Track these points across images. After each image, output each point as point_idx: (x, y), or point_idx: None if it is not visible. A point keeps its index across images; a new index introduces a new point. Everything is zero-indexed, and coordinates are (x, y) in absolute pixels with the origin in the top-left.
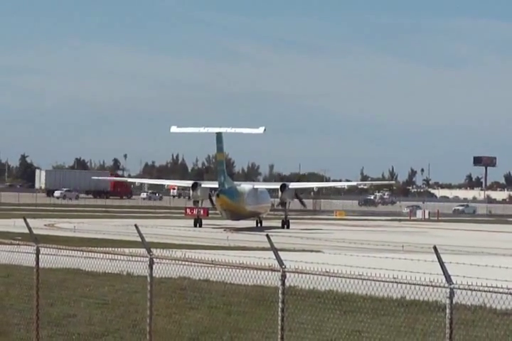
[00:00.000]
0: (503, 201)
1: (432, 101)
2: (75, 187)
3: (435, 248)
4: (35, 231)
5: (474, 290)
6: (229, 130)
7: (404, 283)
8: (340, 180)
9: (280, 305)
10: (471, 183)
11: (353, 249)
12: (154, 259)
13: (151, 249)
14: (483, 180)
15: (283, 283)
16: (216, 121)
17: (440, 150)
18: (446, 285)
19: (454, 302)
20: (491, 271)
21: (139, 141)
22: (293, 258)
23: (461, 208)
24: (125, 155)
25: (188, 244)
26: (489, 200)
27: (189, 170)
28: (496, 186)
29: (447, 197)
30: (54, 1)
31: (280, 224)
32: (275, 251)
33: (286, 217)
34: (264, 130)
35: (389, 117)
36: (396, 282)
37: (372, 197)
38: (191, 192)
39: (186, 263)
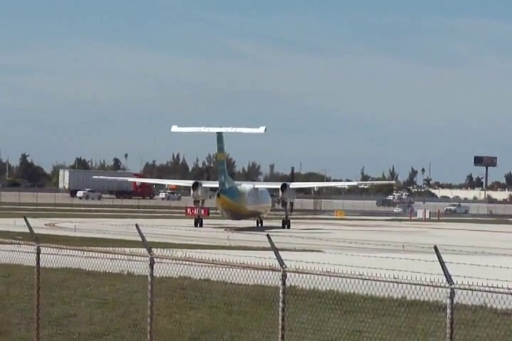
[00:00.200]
0: (504, 201)
1: (433, 101)
2: (98, 187)
3: (436, 248)
4: (35, 231)
5: (475, 290)
6: (229, 130)
7: (405, 283)
8: (341, 180)
9: (281, 304)
10: (472, 183)
11: (354, 248)
12: (155, 259)
13: (152, 249)
14: (483, 180)
15: (283, 283)
16: (217, 120)
17: (441, 150)
18: (447, 285)
19: (454, 302)
20: (492, 271)
21: (140, 140)
22: (293, 258)
23: (453, 208)
24: (126, 155)
25: (189, 244)
26: (490, 200)
27: (190, 169)
28: (496, 186)
29: (448, 197)
30: (54, 1)
31: (281, 224)
32: (276, 250)
33: (287, 216)
34: (265, 130)
35: (389, 117)
36: (397, 282)
37: (390, 198)
38: (192, 191)
39: (187, 262)
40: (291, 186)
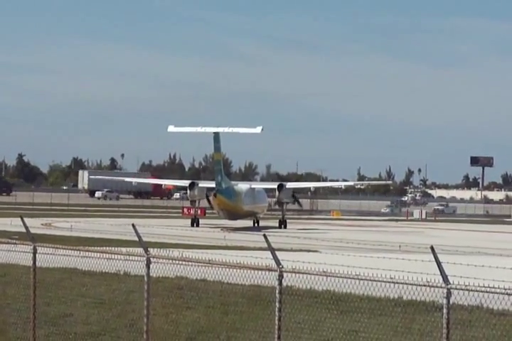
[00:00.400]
0: (500, 201)
1: (430, 101)
2: (117, 188)
3: (432, 248)
4: (31, 231)
5: (471, 290)
6: (226, 129)
7: (402, 283)
8: (338, 180)
9: (277, 304)
10: (468, 183)
11: (350, 248)
12: (151, 259)
13: (148, 249)
14: (480, 181)
15: (280, 283)
16: (213, 120)
17: (437, 151)
18: (443, 285)
19: (451, 302)
20: (488, 271)
21: (136, 140)
22: (290, 258)
23: (440, 208)
24: (122, 155)
25: (185, 244)
26: (486, 200)
27: (186, 169)
28: (493, 186)
29: (444, 198)
30: (54, 0)
31: (277, 224)
32: (272, 250)
33: (284, 216)
34: (262, 130)
35: (386, 117)
36: (393, 282)
37: (404, 199)
38: (188, 191)
39: (183, 262)
40: (287, 186)
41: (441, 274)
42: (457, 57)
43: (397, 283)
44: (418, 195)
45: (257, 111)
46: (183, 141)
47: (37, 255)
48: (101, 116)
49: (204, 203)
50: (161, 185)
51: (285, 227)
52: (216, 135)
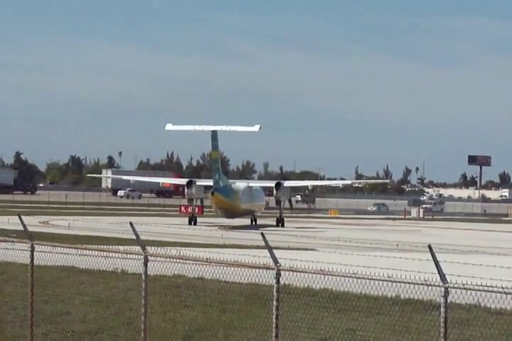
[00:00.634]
0: (498, 200)
1: (428, 100)
2: (140, 186)
3: (430, 247)
4: (29, 229)
5: (469, 289)
6: (224, 128)
7: (399, 282)
8: (335, 179)
9: (275, 303)
10: (466, 182)
11: (348, 247)
12: (149, 257)
13: (146, 247)
14: (477, 179)
15: (278, 281)
16: (211, 118)
17: (435, 149)
18: (441, 284)
19: (448, 301)
20: (486, 270)
21: (134, 138)
22: (287, 256)
23: (429, 206)
24: (120, 153)
25: (183, 242)
26: (484, 199)
27: (184, 167)
28: (490, 185)
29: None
30: (53, 0)
31: (275, 223)
32: (270, 249)
33: (281, 215)
34: (260, 128)
35: (384, 116)
36: (391, 281)
37: (422, 198)
38: (186, 190)
39: (181, 261)
40: (285, 184)
41: (438, 273)
42: (456, 56)
43: (395, 281)
44: (435, 194)
45: (255, 109)
46: (181, 139)
47: (34, 253)
48: (99, 114)
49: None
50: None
51: (283, 226)
52: (214, 133)
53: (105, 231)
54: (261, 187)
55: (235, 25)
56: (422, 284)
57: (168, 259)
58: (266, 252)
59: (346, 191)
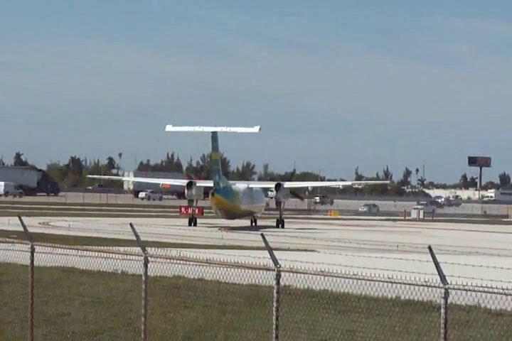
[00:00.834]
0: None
1: (428, 101)
2: (161, 188)
3: (430, 248)
4: (29, 230)
5: (469, 290)
6: (224, 129)
7: (399, 283)
8: (335, 180)
9: (275, 304)
10: (466, 183)
11: (348, 248)
12: (149, 258)
13: (146, 248)
14: (477, 180)
15: (278, 283)
16: (211, 119)
17: (435, 150)
18: (441, 285)
19: (448, 302)
20: (486, 271)
21: (134, 139)
22: (288, 257)
23: (420, 207)
24: (120, 154)
25: (183, 243)
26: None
27: (184, 169)
28: (490, 186)
29: (441, 197)
30: (53, 0)
31: (275, 224)
32: (270, 250)
33: (281, 216)
34: (260, 129)
35: (384, 117)
36: (391, 282)
37: (438, 200)
38: (186, 191)
39: (181, 262)
40: (285, 186)
41: (438, 274)
42: (456, 57)
43: (395, 282)
44: (452, 195)
45: (255, 110)
46: (181, 141)
47: (35, 254)
48: (99, 115)
49: (201, 202)
50: None
51: (283, 227)
52: (214, 134)
53: (105, 232)
54: (261, 188)
55: (234, 26)
56: (422, 285)
57: (168, 260)
58: (266, 253)
59: (346, 192)
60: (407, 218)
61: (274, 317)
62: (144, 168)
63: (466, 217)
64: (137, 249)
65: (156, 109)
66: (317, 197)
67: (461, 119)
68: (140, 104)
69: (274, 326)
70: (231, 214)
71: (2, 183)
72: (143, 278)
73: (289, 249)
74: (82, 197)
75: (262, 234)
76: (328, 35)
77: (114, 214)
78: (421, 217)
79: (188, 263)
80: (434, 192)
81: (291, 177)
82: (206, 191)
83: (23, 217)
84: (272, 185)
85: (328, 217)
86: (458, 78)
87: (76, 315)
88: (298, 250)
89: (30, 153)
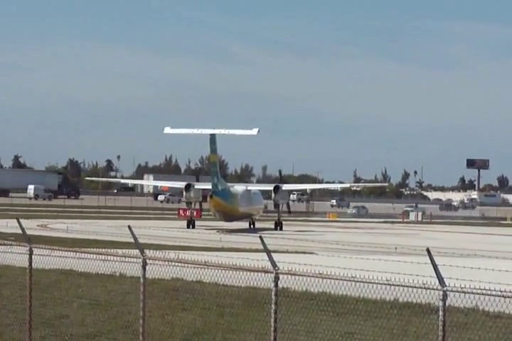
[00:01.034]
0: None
1: (426, 104)
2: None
3: (428, 250)
4: (27, 232)
5: (467, 292)
6: (222, 131)
7: (397, 285)
8: (334, 182)
9: (273, 306)
10: (464, 186)
11: (346, 250)
12: (147, 260)
13: (144, 250)
14: (476, 183)
15: (276, 285)
16: (210, 122)
17: (433, 153)
18: (439, 287)
19: (447, 304)
20: (484, 273)
21: (133, 142)
22: (286, 259)
23: (409, 209)
24: (118, 156)
25: (181, 245)
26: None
27: (182, 171)
28: (488, 188)
29: (440, 200)
30: (53, 1)
31: (273, 226)
32: (268, 252)
33: (280, 218)
34: (258, 131)
35: (382, 119)
36: (389, 284)
37: (453, 203)
38: (184, 193)
39: (179, 264)
40: (283, 188)
41: (437, 276)
42: (454, 60)
43: (393, 285)
44: (466, 198)
45: (254, 113)
46: (180, 143)
47: (33, 256)
48: (97, 117)
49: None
50: None
51: (281, 229)
52: (212, 137)
53: (104, 234)
54: (259, 190)
55: (234, 29)
56: (420, 288)
57: (166, 263)
58: (264, 255)
59: (345, 194)
60: (405, 220)
61: (272, 320)
62: (142, 171)
63: (463, 219)
64: (135, 251)
65: (155, 111)
66: (334, 200)
67: (460, 122)
68: (139, 106)
69: (272, 328)
70: (229, 217)
71: (32, 187)
72: (141, 280)
73: (287, 251)
74: (104, 200)
75: (260, 237)
76: (327, 38)
77: (113, 216)
78: (419, 219)
79: (186, 265)
80: (432, 195)
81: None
82: (204, 193)
83: (21, 220)
84: (270, 187)
85: (327, 219)
86: (456, 81)
87: (74, 318)
88: (296, 252)
89: (28, 155)
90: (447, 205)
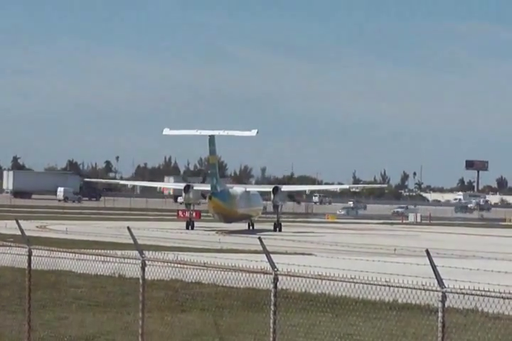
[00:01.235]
0: (495, 205)
1: (425, 105)
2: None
3: (427, 251)
4: (26, 233)
5: (466, 294)
6: (221, 133)
7: (397, 287)
8: (333, 183)
9: (272, 307)
10: (464, 187)
11: (345, 252)
12: (146, 261)
13: (143, 251)
14: (475, 184)
15: (275, 286)
16: (209, 123)
17: (432, 154)
18: (439, 288)
19: (446, 305)
20: (483, 274)
21: (132, 143)
22: (285, 261)
23: (400, 210)
24: (117, 158)
25: (180, 247)
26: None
27: (181, 172)
28: (488, 190)
29: (439, 201)
30: (53, 2)
31: (272, 227)
32: (267, 253)
33: (279, 219)
34: (257, 133)
35: (381, 120)
36: (388, 285)
37: (469, 205)
38: (183, 194)
39: (178, 265)
40: (282, 189)
41: (436, 278)
42: (453, 61)
43: (392, 286)
44: (482, 200)
45: (253, 114)
46: (179, 144)
47: (32, 257)
48: (96, 118)
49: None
50: None
51: (280, 230)
52: (211, 138)
53: (103, 235)
54: (258, 191)
55: (233, 30)
56: (419, 289)
57: (165, 264)
58: (263, 257)
59: (344, 196)
60: (404, 221)
61: (271, 321)
62: (141, 172)
63: (462, 221)
64: (135, 253)
65: (154, 112)
66: (351, 202)
67: (458, 123)
68: (137, 108)
69: (271, 330)
70: (228, 218)
71: (62, 189)
72: (140, 281)
73: (286, 253)
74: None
75: (259, 238)
76: (326, 39)
77: (112, 217)
78: (418, 220)
79: (185, 266)
80: (431, 196)
81: (289, 181)
82: (204, 195)
83: (20, 221)
84: (269, 188)
85: (326, 220)
86: (455, 82)
87: (73, 319)
88: (295, 253)
89: (27, 157)
90: (463, 207)
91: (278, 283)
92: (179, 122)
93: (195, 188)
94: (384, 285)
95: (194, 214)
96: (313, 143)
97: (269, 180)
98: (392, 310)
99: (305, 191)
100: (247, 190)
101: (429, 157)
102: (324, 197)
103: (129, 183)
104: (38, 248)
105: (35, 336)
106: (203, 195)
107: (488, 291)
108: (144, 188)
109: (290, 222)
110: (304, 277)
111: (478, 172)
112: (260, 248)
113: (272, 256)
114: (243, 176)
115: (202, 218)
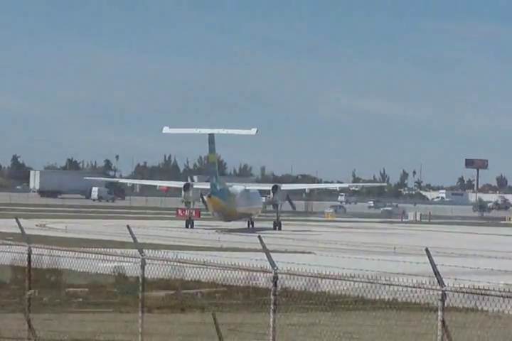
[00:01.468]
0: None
1: (424, 103)
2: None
3: (427, 250)
4: (26, 232)
5: (466, 292)
6: (221, 131)
7: (397, 285)
8: (332, 182)
9: (272, 306)
10: (463, 186)
11: (345, 250)
12: (146, 260)
13: (143, 250)
14: (475, 183)
15: (275, 285)
16: (208, 121)
17: (432, 153)
18: (438, 287)
19: (445, 304)
20: (483, 273)
21: (131, 141)
22: (284, 259)
23: (389, 209)
24: (117, 156)
25: (180, 245)
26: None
27: (181, 171)
28: (487, 188)
29: (429, 199)
30: (52, 2)
31: (272, 226)
32: (267, 252)
33: (278, 218)
34: (257, 131)
35: (381, 119)
36: (388, 284)
37: (489, 204)
38: (183, 193)
39: (178, 264)
40: (282, 188)
41: (436, 276)
42: (452, 59)
43: (392, 284)
44: (500, 199)
45: (252, 112)
46: (178, 143)
47: (32, 256)
48: (95, 117)
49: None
50: None
51: (280, 229)
52: (211, 136)
53: (102, 234)
54: (258, 190)
55: (233, 28)
56: (419, 287)
57: (165, 262)
58: (263, 255)
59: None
60: (404, 220)
61: (271, 319)
62: (141, 170)
63: (462, 219)
64: (134, 251)
65: (153, 110)
66: (371, 202)
67: (458, 121)
68: (137, 106)
69: (271, 328)
70: (228, 216)
71: (96, 189)
72: (140, 280)
73: (285, 251)
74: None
75: (259, 236)
76: (325, 37)
77: (111, 216)
78: (418, 219)
79: (185, 265)
80: (431, 195)
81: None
82: (203, 194)
83: (20, 219)
84: (269, 187)
85: (325, 219)
86: (455, 80)
87: (73, 317)
88: (295, 252)
89: (26, 156)
90: (481, 206)
91: (278, 282)
92: (179, 121)
93: (195, 187)
94: (384, 284)
95: (193, 212)
96: (313, 141)
97: (269, 178)
98: (392, 309)
99: (304, 190)
100: (247, 188)
101: (429, 155)
102: (350, 197)
103: (129, 181)
104: (37, 246)
105: (35, 335)
106: (202, 194)
107: (488, 290)
108: (143, 186)
109: (290, 221)
110: (304, 276)
111: (477, 170)
112: (260, 246)
113: (271, 254)
114: (243, 175)
115: (201, 217)
